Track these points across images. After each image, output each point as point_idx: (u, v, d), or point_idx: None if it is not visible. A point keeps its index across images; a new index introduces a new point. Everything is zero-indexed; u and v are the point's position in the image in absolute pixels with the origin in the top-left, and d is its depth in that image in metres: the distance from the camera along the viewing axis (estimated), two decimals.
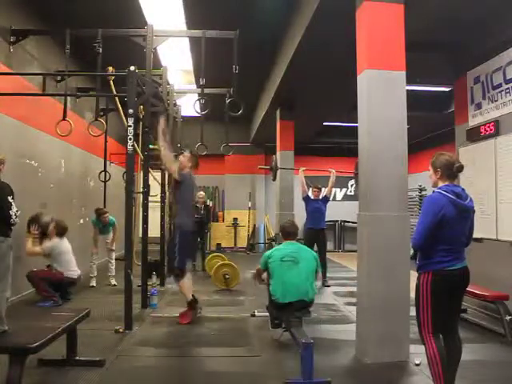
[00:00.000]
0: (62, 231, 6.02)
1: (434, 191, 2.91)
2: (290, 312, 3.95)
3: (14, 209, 4.08)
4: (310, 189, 7.95)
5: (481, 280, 4.79)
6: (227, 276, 6.85)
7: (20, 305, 5.51)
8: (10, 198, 4.08)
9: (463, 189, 2.89)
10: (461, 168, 2.89)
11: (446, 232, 2.77)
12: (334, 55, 5.81)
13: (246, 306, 5.76)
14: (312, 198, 7.75)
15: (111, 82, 6.44)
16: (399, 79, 3.92)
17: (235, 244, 13.35)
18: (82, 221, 8.18)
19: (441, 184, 2.89)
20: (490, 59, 5.25)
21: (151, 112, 5.98)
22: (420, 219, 2.84)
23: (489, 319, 4.78)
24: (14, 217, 4.06)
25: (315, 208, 7.58)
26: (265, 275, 4.32)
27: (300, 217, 7.74)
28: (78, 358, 3.55)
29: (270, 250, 4.38)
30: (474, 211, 2.93)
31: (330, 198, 7.82)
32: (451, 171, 2.88)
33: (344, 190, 14.27)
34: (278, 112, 9.32)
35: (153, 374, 3.50)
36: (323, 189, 7.86)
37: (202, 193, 9.50)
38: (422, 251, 2.87)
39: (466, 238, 2.91)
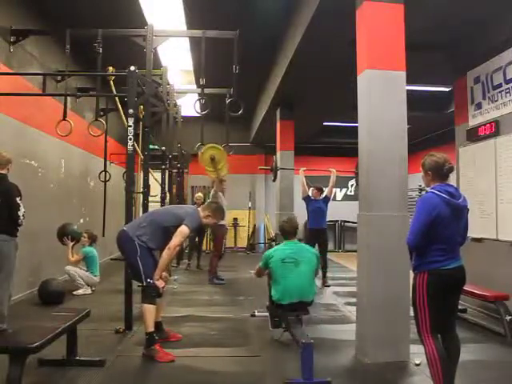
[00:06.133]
0: (94, 239, 6.73)
1: (427, 191, 2.92)
2: (289, 312, 3.97)
3: (22, 210, 4.17)
4: (311, 189, 7.94)
5: (481, 280, 4.79)
6: (213, 157, 6.81)
7: (20, 305, 5.51)
8: (18, 199, 4.16)
9: (456, 188, 2.92)
10: (451, 169, 2.90)
11: (440, 231, 2.78)
12: (333, 55, 5.81)
13: (245, 306, 5.76)
14: (312, 197, 7.76)
15: (111, 82, 6.44)
16: (399, 79, 3.92)
17: (235, 244, 13.35)
18: (81, 220, 8.18)
19: (434, 184, 2.90)
20: (490, 59, 5.25)
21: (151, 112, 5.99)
22: (414, 219, 2.85)
23: (489, 319, 4.78)
24: (21, 217, 4.16)
25: (316, 208, 7.57)
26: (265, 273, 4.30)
27: (300, 217, 7.69)
28: (78, 357, 3.55)
29: (271, 250, 4.31)
30: (468, 210, 2.94)
31: (331, 198, 7.82)
32: (441, 172, 2.89)
33: (344, 190, 14.26)
34: (278, 112, 9.31)
35: (153, 373, 3.50)
36: (325, 189, 7.84)
37: (200, 194, 9.52)
38: (417, 251, 2.88)
39: (461, 237, 2.93)
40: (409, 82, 3.95)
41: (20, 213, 4.15)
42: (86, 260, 6.48)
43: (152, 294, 3.86)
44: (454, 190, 2.88)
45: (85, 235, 6.61)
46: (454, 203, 2.81)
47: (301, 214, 7.90)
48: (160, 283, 3.91)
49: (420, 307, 2.83)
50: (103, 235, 7.40)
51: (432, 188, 2.88)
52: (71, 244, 6.30)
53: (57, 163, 7.29)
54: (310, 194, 7.85)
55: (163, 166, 8.10)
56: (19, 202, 4.17)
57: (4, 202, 4.10)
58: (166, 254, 3.89)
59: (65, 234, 6.28)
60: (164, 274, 4.01)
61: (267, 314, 4.42)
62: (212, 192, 7.92)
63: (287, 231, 4.26)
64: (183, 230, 3.90)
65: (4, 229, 4.11)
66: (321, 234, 7.57)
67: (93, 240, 6.68)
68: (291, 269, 4.00)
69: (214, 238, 8.10)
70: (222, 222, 7.57)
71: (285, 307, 3.99)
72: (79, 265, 6.49)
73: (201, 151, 7.05)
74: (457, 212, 2.83)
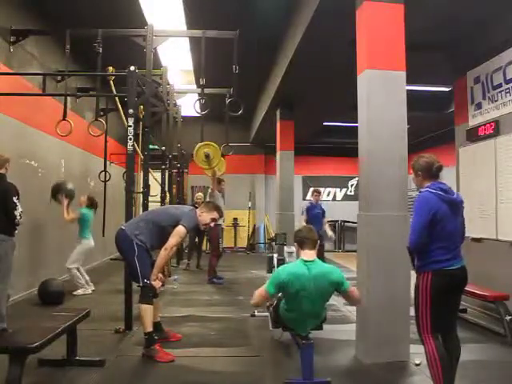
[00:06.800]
0: (94, 204, 6.63)
1: (420, 191, 2.96)
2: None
3: (19, 209, 4.19)
4: (311, 189, 8.14)
5: (481, 280, 4.79)
6: (207, 154, 6.95)
7: (20, 305, 5.51)
8: (15, 199, 4.18)
9: (448, 185, 2.95)
10: (440, 168, 2.95)
11: (440, 229, 2.80)
12: (333, 55, 5.81)
13: (245, 306, 5.74)
14: (313, 203, 8.15)
15: (111, 81, 6.44)
16: (399, 79, 3.92)
17: (235, 244, 13.34)
18: None
19: (426, 184, 2.94)
20: (490, 59, 5.25)
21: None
22: (413, 219, 2.88)
23: (489, 319, 4.78)
24: (18, 217, 4.17)
25: (316, 213, 7.97)
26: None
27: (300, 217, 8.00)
28: (78, 357, 3.55)
29: (285, 273, 3.27)
30: (463, 205, 2.98)
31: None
32: (431, 172, 2.94)
33: (344, 190, 14.27)
34: (278, 112, 9.31)
35: (153, 373, 3.50)
36: (322, 190, 8.11)
37: (200, 194, 9.55)
38: (419, 251, 2.89)
39: (460, 234, 2.95)
40: (409, 82, 3.95)
41: (17, 212, 4.15)
42: (80, 221, 6.42)
43: (149, 294, 3.87)
44: (447, 187, 2.93)
45: (85, 196, 6.63)
46: (449, 199, 2.86)
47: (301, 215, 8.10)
48: (157, 284, 3.92)
49: (422, 307, 2.84)
50: (103, 235, 7.40)
51: (426, 187, 2.92)
52: (66, 202, 6.15)
53: (57, 163, 7.28)
54: (309, 198, 8.06)
55: (163, 166, 8.11)
56: (16, 201, 4.17)
57: (2, 202, 4.11)
58: (163, 254, 3.90)
59: (59, 191, 6.14)
60: (159, 275, 4.01)
61: (267, 314, 4.42)
62: (209, 191, 7.95)
63: (305, 239, 3.44)
64: (180, 230, 3.90)
65: (2, 229, 4.12)
66: (319, 237, 7.76)
67: (92, 204, 6.61)
68: (306, 300, 3.27)
69: (210, 238, 8.12)
70: (218, 221, 7.60)
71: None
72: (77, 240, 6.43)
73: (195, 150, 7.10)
74: (454, 207, 2.88)
